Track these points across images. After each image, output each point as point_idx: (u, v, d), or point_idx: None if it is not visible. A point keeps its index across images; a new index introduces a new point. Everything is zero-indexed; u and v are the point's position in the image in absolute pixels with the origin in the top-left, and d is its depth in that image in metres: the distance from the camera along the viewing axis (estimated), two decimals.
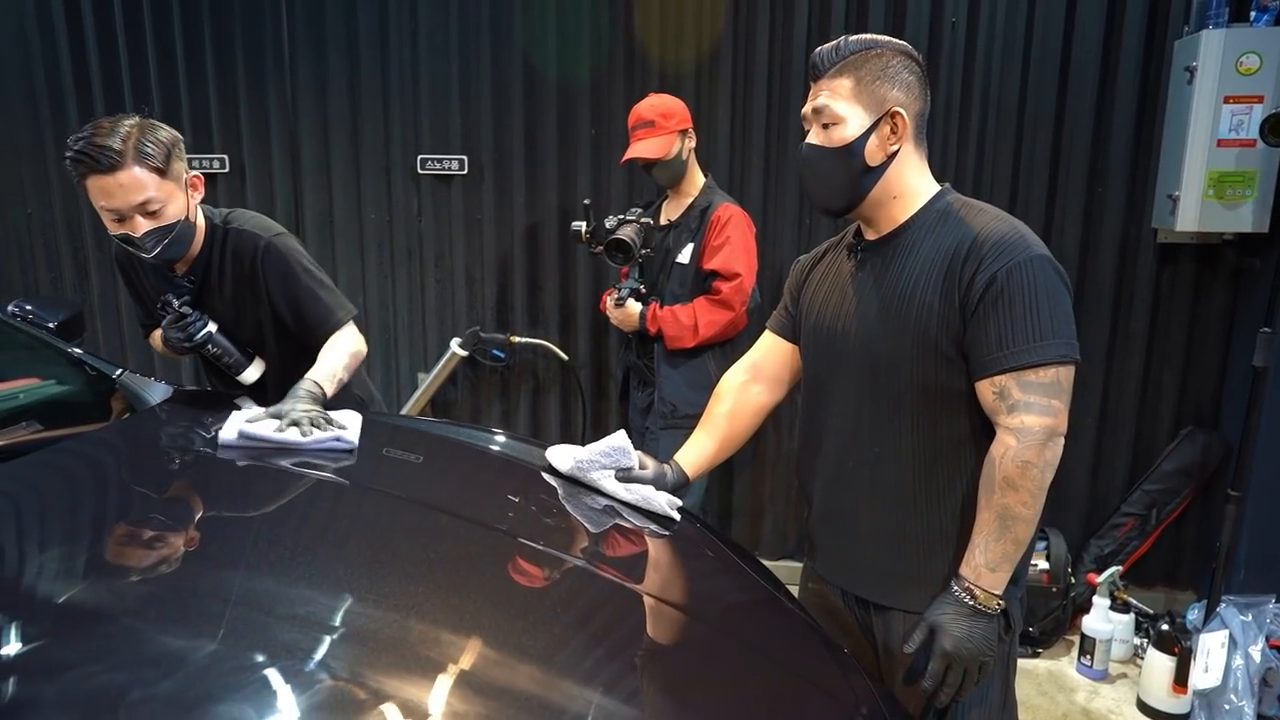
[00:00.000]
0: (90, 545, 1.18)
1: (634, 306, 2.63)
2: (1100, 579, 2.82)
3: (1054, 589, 2.87)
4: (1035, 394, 1.27)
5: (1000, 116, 2.94)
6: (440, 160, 3.29)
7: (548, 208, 3.28)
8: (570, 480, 1.61)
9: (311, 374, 1.76)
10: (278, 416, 1.58)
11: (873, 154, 1.35)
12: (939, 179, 1.44)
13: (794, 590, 1.62)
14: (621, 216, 2.64)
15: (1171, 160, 2.74)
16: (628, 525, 1.51)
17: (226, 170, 3.37)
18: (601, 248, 2.60)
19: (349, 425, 1.61)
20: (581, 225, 2.74)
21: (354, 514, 1.40)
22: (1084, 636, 2.80)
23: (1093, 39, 2.85)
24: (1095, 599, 2.80)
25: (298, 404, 1.62)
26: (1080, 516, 3.13)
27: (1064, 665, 2.87)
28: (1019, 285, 1.27)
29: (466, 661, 1.00)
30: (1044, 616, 2.89)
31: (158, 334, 2.02)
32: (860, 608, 1.50)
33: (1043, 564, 2.90)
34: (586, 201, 2.81)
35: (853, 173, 1.36)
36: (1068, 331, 1.29)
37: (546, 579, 1.27)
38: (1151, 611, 2.91)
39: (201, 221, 1.85)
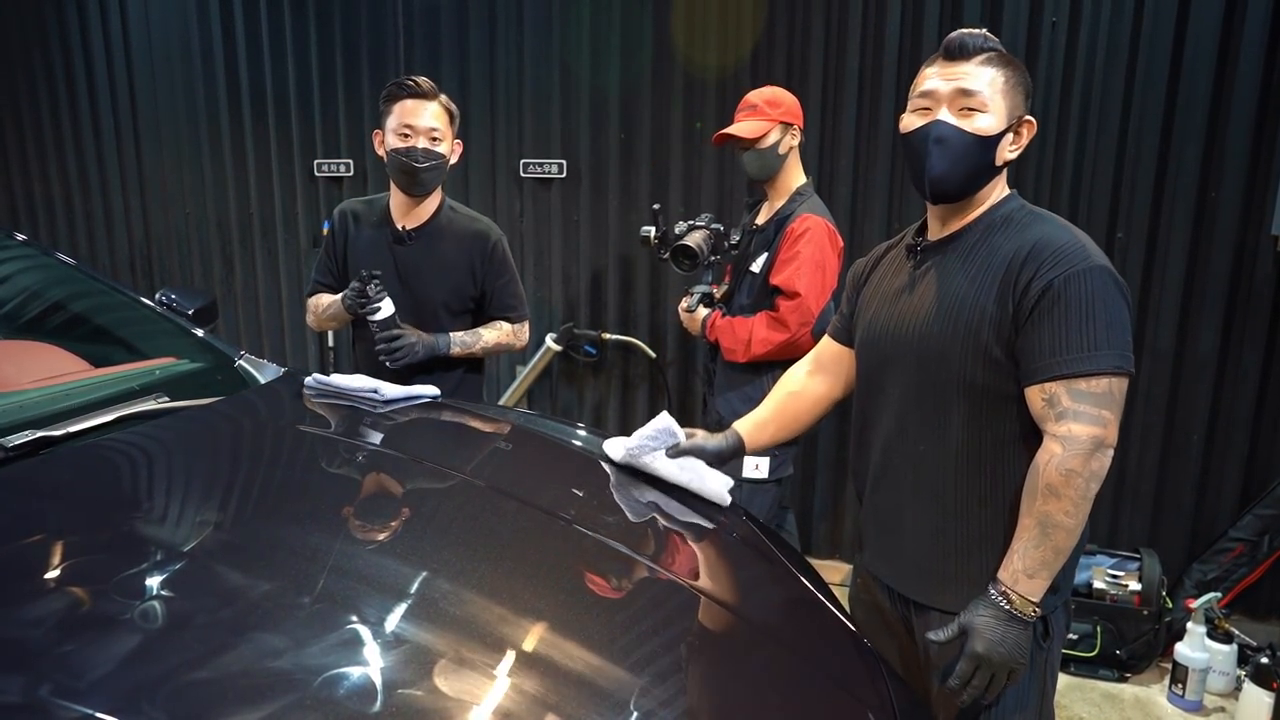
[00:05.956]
0: (191, 498, 1.39)
1: (702, 312, 2.52)
2: (1196, 604, 2.67)
3: (1145, 612, 2.74)
4: (1085, 403, 1.25)
5: (1102, 118, 2.82)
6: (541, 164, 3.48)
7: (640, 211, 3.40)
8: (625, 469, 1.66)
9: (455, 334, 2.24)
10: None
11: (1001, 154, 1.36)
12: (1035, 183, 1.43)
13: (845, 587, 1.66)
14: (692, 222, 2.56)
15: None
16: (675, 519, 1.57)
17: (351, 174, 3.69)
18: (669, 254, 2.53)
19: (395, 389, 1.91)
20: (650, 230, 2.68)
21: (441, 497, 1.52)
22: (1176, 664, 2.66)
23: (1209, 34, 2.69)
24: (1190, 626, 2.65)
25: (406, 338, 2.15)
26: (1182, 538, 2.97)
27: (1154, 693, 2.73)
28: (1076, 293, 1.26)
29: (523, 638, 1.10)
30: (1134, 640, 2.75)
31: (323, 298, 2.31)
32: (903, 605, 1.50)
33: (1134, 585, 2.77)
34: (656, 206, 2.75)
35: (981, 166, 1.35)
36: (1123, 343, 1.27)
37: (598, 567, 1.35)
38: (1255, 644, 2.73)
39: (438, 192, 2.29)
